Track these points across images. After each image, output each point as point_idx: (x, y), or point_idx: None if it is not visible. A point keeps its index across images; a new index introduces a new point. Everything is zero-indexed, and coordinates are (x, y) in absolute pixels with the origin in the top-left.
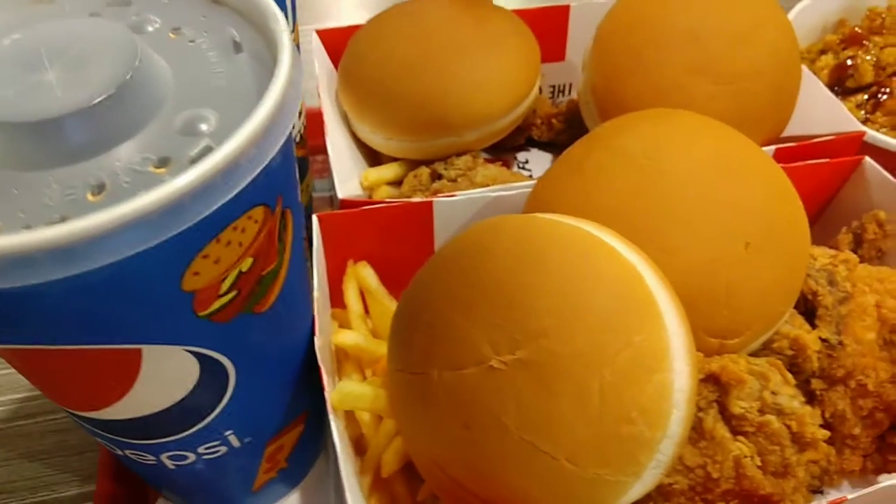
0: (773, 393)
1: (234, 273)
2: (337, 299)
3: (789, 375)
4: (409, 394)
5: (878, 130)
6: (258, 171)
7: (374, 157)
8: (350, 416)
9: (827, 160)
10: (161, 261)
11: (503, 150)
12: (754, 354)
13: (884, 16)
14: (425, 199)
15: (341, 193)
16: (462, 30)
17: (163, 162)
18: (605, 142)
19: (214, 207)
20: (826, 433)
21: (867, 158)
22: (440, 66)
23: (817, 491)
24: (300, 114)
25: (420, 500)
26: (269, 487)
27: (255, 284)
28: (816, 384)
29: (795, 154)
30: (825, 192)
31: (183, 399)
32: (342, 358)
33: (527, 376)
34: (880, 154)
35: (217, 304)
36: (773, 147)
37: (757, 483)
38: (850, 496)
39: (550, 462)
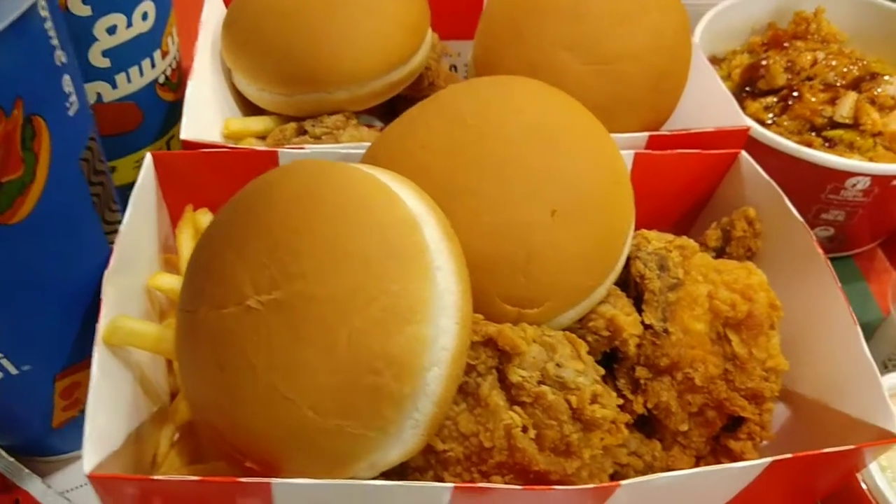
0: (558, 365)
1: None
2: None
3: (585, 352)
4: (181, 333)
5: (781, 134)
6: None
7: (257, 112)
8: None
9: (698, 151)
10: None
11: None
12: (570, 331)
13: (809, 21)
14: (270, 149)
15: (184, 134)
16: None
17: None
18: (441, 102)
19: None
20: (609, 414)
21: (743, 153)
22: (313, 20)
23: None
24: (165, 54)
25: None
26: (75, 428)
27: None
28: (641, 372)
29: (670, 142)
30: (703, 184)
31: None
32: (171, 303)
33: (279, 318)
34: (770, 153)
35: None
36: (646, 134)
37: (529, 457)
38: (623, 483)
39: (294, 409)
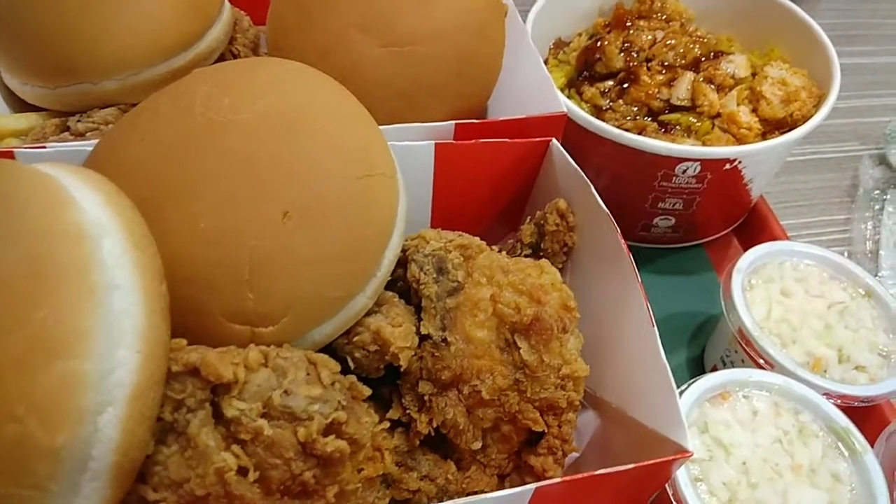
0: (286, 392)
1: None
2: None
3: (330, 373)
4: None
5: (617, 120)
6: None
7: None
8: None
9: (505, 140)
10: None
11: None
12: (325, 349)
13: None
14: (6, 149)
15: None
16: None
17: None
18: (178, 88)
19: None
20: (344, 446)
21: (553, 141)
22: (70, 2)
23: None
24: None
25: None
26: None
27: None
28: (424, 388)
29: (480, 131)
30: (520, 175)
31: None
32: None
33: None
34: (601, 142)
35: None
36: (452, 122)
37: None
38: None
39: None
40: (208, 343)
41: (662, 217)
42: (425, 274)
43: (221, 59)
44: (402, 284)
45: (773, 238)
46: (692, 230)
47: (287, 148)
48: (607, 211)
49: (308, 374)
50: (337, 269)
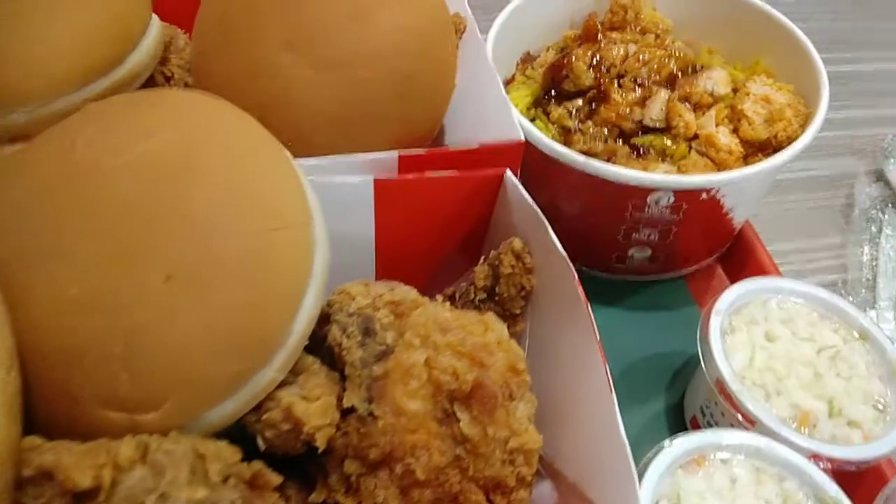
0: (163, 497)
1: None
2: None
3: (221, 466)
4: None
5: (585, 144)
6: None
7: None
8: None
9: (453, 173)
10: None
11: None
12: (230, 434)
13: (627, 9)
14: None
15: None
16: None
17: None
18: (62, 127)
19: None
20: None
21: (508, 173)
22: None
23: None
24: None
25: None
26: None
27: None
28: (350, 467)
29: (427, 163)
30: (474, 212)
31: None
32: None
33: None
34: (567, 169)
35: None
36: (395, 153)
37: None
38: None
39: None
40: (81, 435)
41: (637, 248)
42: (348, 337)
43: (151, 82)
44: (328, 345)
45: (761, 266)
46: (671, 261)
47: (173, 196)
48: (564, 254)
49: (193, 472)
50: (233, 342)
